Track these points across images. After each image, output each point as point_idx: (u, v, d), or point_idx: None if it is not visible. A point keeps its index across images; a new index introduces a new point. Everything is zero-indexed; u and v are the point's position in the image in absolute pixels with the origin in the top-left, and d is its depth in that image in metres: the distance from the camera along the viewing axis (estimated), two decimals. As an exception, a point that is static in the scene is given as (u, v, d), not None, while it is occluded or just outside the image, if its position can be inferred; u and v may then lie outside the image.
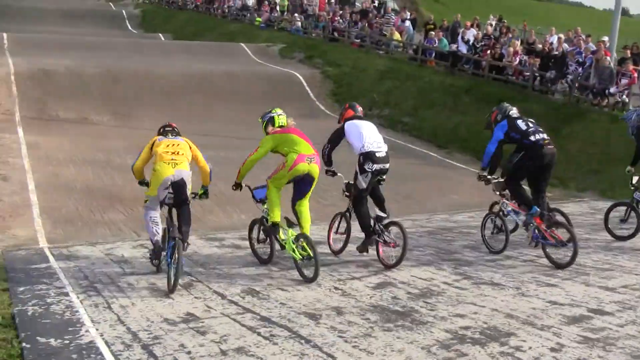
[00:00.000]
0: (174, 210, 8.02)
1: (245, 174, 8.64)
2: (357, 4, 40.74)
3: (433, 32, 25.33)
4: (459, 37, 24.16)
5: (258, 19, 35.98)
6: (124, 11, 44.76)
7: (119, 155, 15.29)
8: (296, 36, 31.75)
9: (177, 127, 8.45)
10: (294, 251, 8.07)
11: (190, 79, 23.40)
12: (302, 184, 8.46)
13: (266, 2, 36.49)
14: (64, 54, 24.81)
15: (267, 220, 8.56)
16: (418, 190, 14.65)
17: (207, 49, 28.77)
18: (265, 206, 8.63)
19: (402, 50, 27.17)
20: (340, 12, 31.54)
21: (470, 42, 23.60)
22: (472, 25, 24.74)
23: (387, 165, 8.63)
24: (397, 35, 27.22)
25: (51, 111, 19.70)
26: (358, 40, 28.87)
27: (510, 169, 9.32)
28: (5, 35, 27.83)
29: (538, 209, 8.95)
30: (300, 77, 25.04)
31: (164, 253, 7.94)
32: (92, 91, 21.26)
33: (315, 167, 8.36)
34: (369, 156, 8.46)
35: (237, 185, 8.76)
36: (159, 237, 8.12)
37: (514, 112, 9.50)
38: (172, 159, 7.87)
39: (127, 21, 42.68)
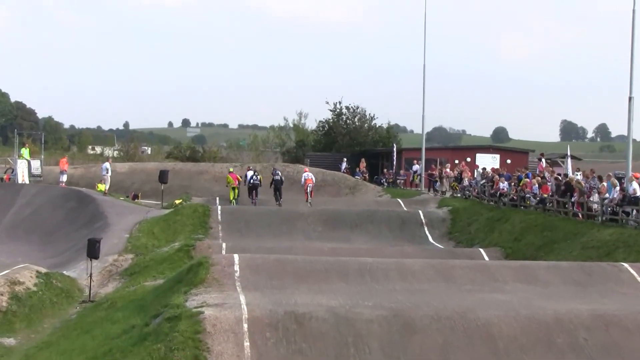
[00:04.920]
0: None
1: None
2: None
3: None
4: None
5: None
6: (420, 212, 34.56)
7: None
8: None
9: None
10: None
11: (533, 327, 15.39)
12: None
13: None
14: (324, 284, 17.71)
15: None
16: None
17: (560, 275, 19.46)
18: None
19: None
20: None
21: None
22: None
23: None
24: None
25: (307, 388, 13.21)
26: None
27: None
28: (236, 258, 19.43)
29: None
30: None
31: None
32: (372, 349, 14.16)
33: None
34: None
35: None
36: None
37: None
38: None
39: (425, 228, 32.63)
